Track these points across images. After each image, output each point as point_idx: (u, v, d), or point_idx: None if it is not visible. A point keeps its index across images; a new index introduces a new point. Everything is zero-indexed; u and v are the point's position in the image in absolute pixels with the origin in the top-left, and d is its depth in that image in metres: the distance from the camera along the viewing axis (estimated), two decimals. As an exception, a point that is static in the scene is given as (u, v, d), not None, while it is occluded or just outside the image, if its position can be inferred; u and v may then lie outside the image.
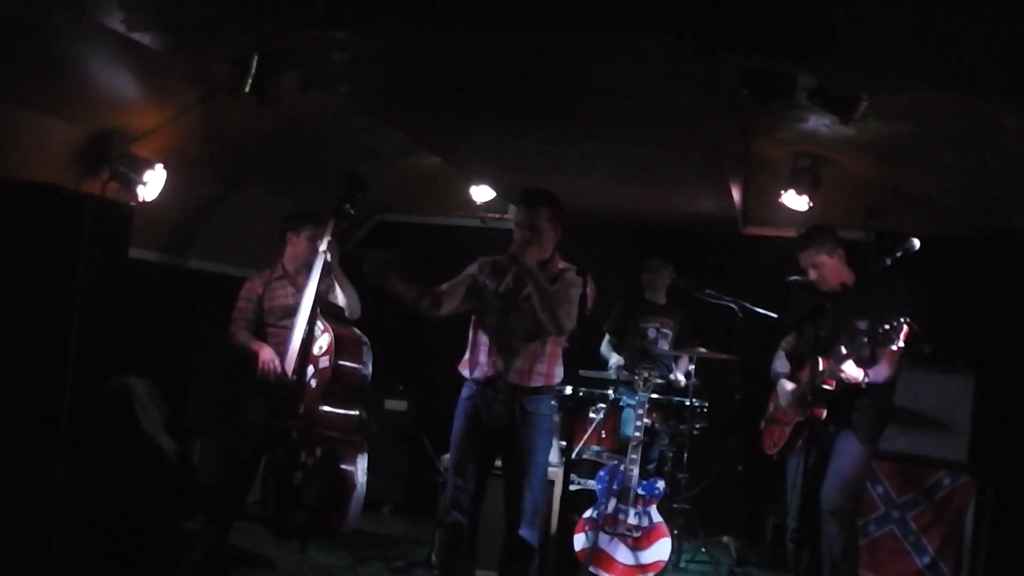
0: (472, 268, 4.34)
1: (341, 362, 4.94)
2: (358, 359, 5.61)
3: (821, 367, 4.52)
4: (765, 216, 6.66)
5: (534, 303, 4.04)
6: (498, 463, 4.34)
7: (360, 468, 5.73)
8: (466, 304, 4.28)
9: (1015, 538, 5.20)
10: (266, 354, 5.08)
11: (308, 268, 5.28)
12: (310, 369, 4.93)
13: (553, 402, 5.63)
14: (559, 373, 4.25)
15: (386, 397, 6.81)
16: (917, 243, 4.53)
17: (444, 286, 4.27)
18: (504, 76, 3.56)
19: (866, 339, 4.37)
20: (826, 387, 4.46)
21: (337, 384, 5.25)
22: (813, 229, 4.93)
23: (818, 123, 5.10)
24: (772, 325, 6.09)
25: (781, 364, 4.93)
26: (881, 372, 4.48)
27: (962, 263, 6.11)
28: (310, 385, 4.95)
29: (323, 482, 5.47)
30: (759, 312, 6.02)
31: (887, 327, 4.25)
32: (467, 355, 4.27)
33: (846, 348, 4.43)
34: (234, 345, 5.20)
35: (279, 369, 5.00)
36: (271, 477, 5.34)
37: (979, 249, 6.23)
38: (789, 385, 4.78)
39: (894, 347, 4.28)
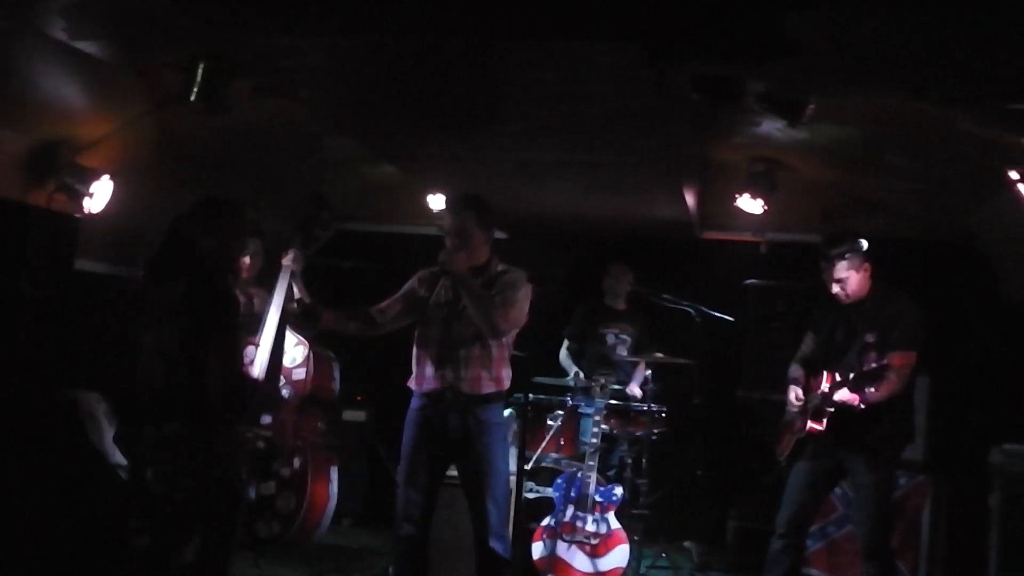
0: (411, 283, 4.28)
1: (317, 375, 4.91)
2: (331, 373, 5.61)
3: (824, 385, 4.56)
4: (723, 221, 6.70)
5: (470, 311, 4.00)
6: (452, 473, 4.29)
7: (334, 480, 5.72)
8: (407, 319, 4.23)
9: (971, 537, 5.23)
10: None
11: (256, 278, 5.26)
12: (281, 379, 4.88)
13: (507, 409, 5.65)
14: (508, 376, 4.19)
15: (344, 408, 6.74)
16: (865, 244, 4.58)
17: (382, 304, 4.22)
18: (454, 82, 3.54)
19: (872, 355, 4.41)
20: (828, 409, 4.50)
21: (312, 396, 5.22)
22: (841, 240, 4.69)
23: (771, 127, 5.13)
24: (729, 329, 6.13)
25: (794, 370, 4.89)
26: (879, 392, 4.43)
27: (918, 265, 6.16)
28: (282, 396, 4.90)
29: (301, 494, 5.45)
30: (716, 316, 6.03)
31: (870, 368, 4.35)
32: (414, 370, 4.19)
33: (839, 374, 4.48)
34: None
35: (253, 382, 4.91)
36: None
37: (934, 251, 6.30)
38: (794, 396, 4.79)
39: (872, 389, 4.39)
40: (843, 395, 4.47)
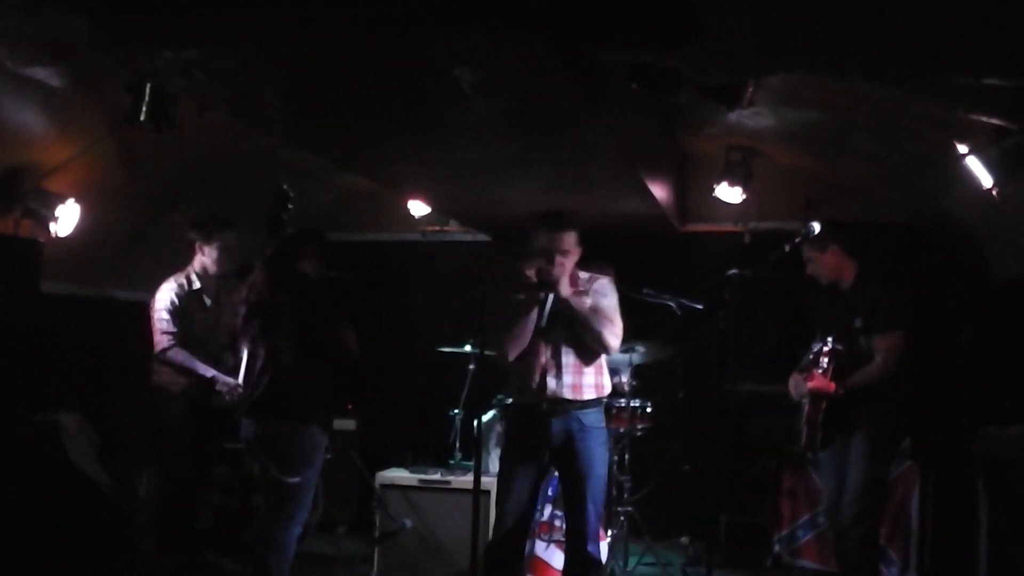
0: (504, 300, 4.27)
1: None
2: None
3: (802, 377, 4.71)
4: (704, 212, 6.66)
5: (579, 331, 4.08)
6: (448, 476, 4.36)
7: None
8: None
9: (959, 523, 5.12)
10: (227, 382, 5.03)
11: (225, 278, 5.24)
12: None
13: (491, 411, 5.65)
14: (608, 384, 4.28)
15: (335, 417, 6.78)
16: (816, 227, 4.57)
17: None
18: (375, 84, 3.53)
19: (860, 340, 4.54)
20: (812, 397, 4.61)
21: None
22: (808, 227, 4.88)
23: (740, 115, 5.08)
24: (712, 320, 6.05)
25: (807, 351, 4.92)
26: (864, 376, 4.53)
27: (901, 249, 6.06)
28: None
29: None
30: (696, 308, 5.96)
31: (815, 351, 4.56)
32: (513, 380, 4.23)
33: (809, 363, 4.63)
34: (171, 364, 5.08)
35: (239, 391, 4.93)
36: (217, 496, 5.38)
37: (917, 235, 6.19)
38: (792, 383, 4.85)
39: (818, 370, 4.54)
40: (816, 382, 4.57)
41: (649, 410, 5.75)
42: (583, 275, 4.22)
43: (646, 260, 6.66)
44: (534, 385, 4.11)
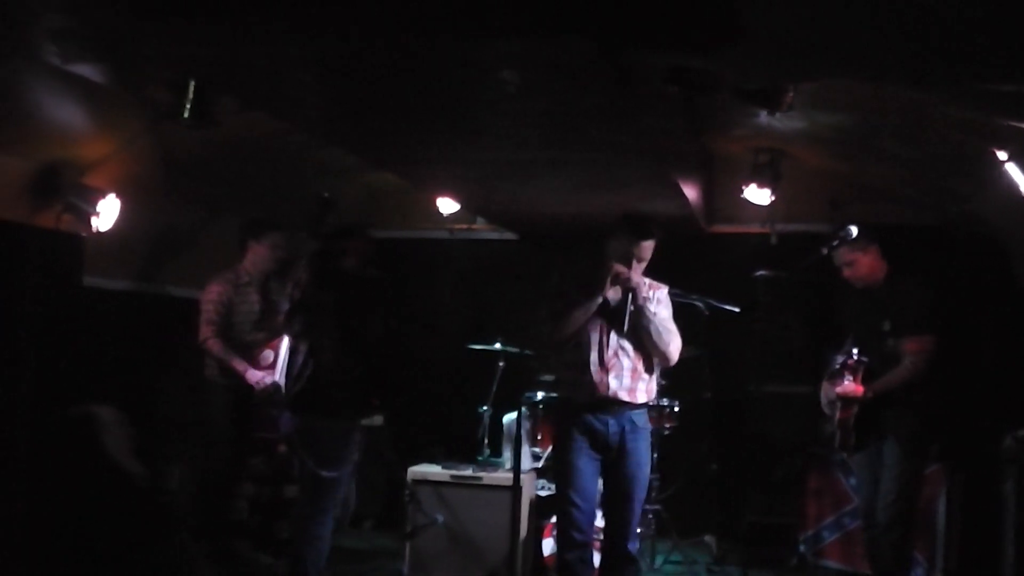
0: (561, 286, 4.38)
1: None
2: None
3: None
4: (731, 213, 6.68)
5: (647, 339, 4.21)
6: (467, 472, 4.54)
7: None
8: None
9: (986, 525, 5.15)
10: (254, 376, 5.15)
11: (270, 276, 5.40)
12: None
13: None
14: (655, 388, 4.44)
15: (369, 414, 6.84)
16: (854, 230, 4.58)
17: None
18: (421, 86, 3.58)
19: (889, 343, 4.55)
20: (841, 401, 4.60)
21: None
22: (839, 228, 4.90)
23: (770, 117, 5.11)
24: (739, 321, 6.09)
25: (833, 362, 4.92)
26: (892, 379, 4.54)
27: (928, 251, 6.08)
28: None
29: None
30: (725, 309, 6.00)
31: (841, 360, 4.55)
32: (570, 375, 4.30)
33: (835, 372, 4.62)
34: (209, 354, 5.24)
35: (272, 387, 5.06)
36: (252, 487, 5.45)
37: (944, 237, 6.20)
38: (823, 393, 4.86)
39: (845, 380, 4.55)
40: (844, 387, 4.58)
41: (676, 409, 5.81)
42: (645, 282, 4.32)
43: (672, 260, 6.67)
44: (596, 383, 4.18)
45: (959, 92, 3.74)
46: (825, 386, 4.83)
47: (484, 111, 3.83)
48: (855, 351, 4.61)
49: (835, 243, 4.66)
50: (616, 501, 4.27)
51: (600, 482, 4.30)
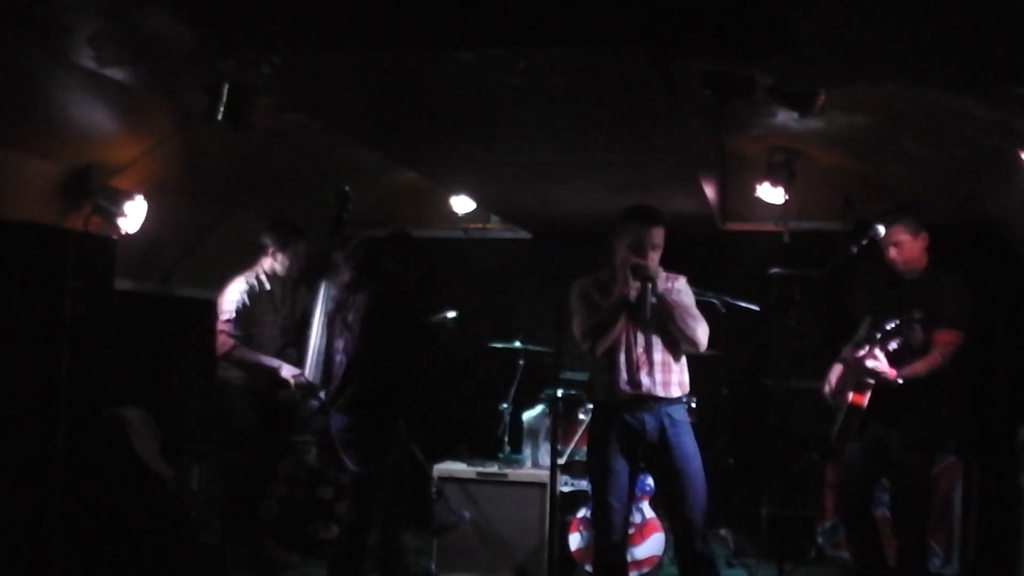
0: (590, 297, 4.27)
1: None
2: None
3: (860, 354, 4.51)
4: (744, 211, 6.75)
5: (673, 328, 4.13)
6: (492, 469, 4.41)
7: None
8: None
9: (1002, 516, 5.26)
10: (290, 371, 5.17)
11: (289, 279, 5.43)
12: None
13: (539, 405, 5.75)
14: (688, 382, 4.33)
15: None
16: (882, 230, 4.61)
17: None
18: (465, 90, 3.63)
19: (917, 330, 4.40)
20: (868, 380, 4.47)
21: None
22: (903, 206, 4.85)
23: (787, 118, 5.16)
24: (755, 318, 6.17)
25: (846, 351, 4.86)
26: (919, 367, 4.43)
27: (942, 250, 6.15)
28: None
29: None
30: (741, 306, 6.08)
31: (889, 328, 4.36)
32: (599, 376, 4.28)
33: (875, 342, 4.42)
34: (236, 361, 5.23)
35: (307, 382, 5.08)
36: (283, 488, 5.48)
37: (959, 236, 6.28)
38: (837, 368, 4.79)
39: (889, 347, 4.38)
40: (876, 364, 4.40)
41: (693, 405, 5.88)
42: (662, 273, 4.26)
43: (687, 257, 6.75)
44: (627, 381, 4.15)
45: (992, 95, 3.82)
46: (848, 352, 4.72)
47: (526, 114, 3.88)
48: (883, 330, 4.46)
49: (864, 241, 4.64)
50: (673, 499, 4.19)
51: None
